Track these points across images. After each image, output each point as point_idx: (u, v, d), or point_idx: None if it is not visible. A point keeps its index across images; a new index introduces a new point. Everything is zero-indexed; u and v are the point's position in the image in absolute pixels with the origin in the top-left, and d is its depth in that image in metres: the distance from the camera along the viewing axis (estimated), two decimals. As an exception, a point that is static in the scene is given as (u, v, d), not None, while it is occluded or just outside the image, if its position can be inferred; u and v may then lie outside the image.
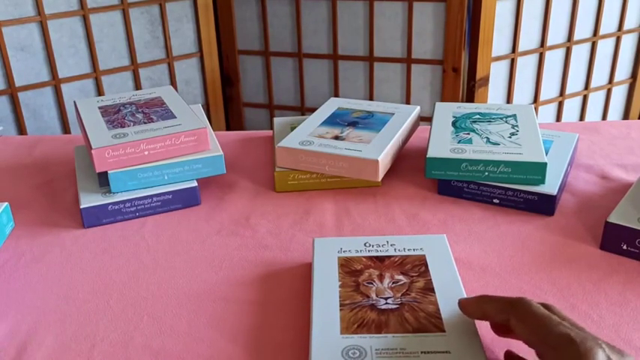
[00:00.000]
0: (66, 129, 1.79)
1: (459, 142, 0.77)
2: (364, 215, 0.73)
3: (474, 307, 0.48)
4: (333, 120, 0.86)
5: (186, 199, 0.75)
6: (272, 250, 0.66)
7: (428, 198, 0.76)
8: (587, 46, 1.95)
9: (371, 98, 1.94)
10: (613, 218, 0.63)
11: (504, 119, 0.83)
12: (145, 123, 0.77)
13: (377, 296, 0.53)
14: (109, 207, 0.72)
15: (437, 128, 0.82)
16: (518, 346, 0.49)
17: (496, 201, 0.73)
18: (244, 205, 0.76)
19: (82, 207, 0.71)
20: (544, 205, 0.71)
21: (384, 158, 0.75)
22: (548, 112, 2.00)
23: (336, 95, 1.97)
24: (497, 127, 0.81)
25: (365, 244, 0.60)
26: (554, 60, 1.91)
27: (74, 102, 0.86)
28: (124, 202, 0.72)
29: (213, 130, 0.87)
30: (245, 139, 0.95)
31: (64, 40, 1.71)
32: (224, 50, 2.02)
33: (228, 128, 2.14)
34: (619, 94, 2.09)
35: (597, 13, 1.90)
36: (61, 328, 0.55)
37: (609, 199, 0.73)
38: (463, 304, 0.49)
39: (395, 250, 0.59)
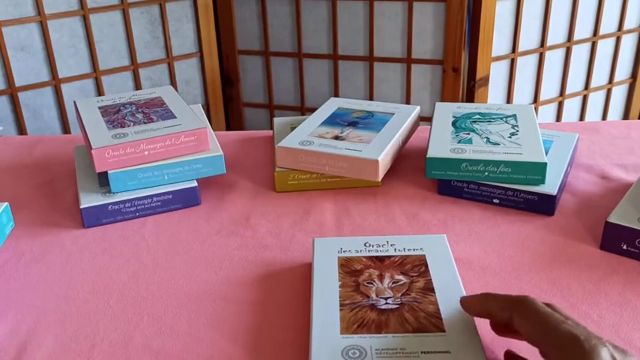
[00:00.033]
0: (66, 129, 1.79)
1: (459, 142, 0.77)
2: (364, 215, 0.73)
3: (476, 304, 0.48)
4: (333, 120, 0.86)
5: (186, 199, 0.75)
6: (272, 250, 0.66)
7: (428, 198, 0.76)
8: (587, 46, 1.95)
9: (371, 98, 1.94)
10: (613, 218, 0.63)
11: (504, 119, 0.83)
12: (145, 123, 0.77)
13: (377, 296, 0.53)
14: (109, 207, 0.72)
15: (437, 128, 0.82)
16: (518, 346, 0.49)
17: (496, 201, 0.73)
18: (244, 205, 0.76)
19: (82, 207, 0.71)
20: (544, 205, 0.71)
21: (384, 158, 0.75)
22: (548, 112, 2.00)
23: (336, 95, 1.97)
24: (497, 127, 0.81)
25: (365, 244, 0.60)
26: (554, 60, 1.91)
27: (74, 102, 0.86)
28: (124, 202, 0.72)
29: (213, 130, 0.87)
30: (245, 139, 0.95)
31: (64, 40, 1.71)
32: (224, 50, 2.02)
33: (228, 128, 2.14)
34: (619, 94, 2.09)
35: (597, 13, 1.90)
36: (61, 328, 0.55)
37: (609, 199, 0.73)
38: (465, 301, 0.49)
39: (395, 250, 0.59)
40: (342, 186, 0.79)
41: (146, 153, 0.73)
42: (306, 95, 2.01)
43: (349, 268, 0.57)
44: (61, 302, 0.59)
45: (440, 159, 0.74)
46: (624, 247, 0.62)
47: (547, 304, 0.44)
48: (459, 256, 0.63)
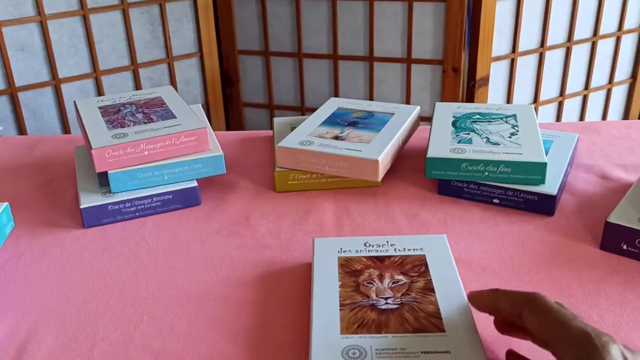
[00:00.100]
0: (66, 129, 1.79)
1: (459, 142, 0.77)
2: (364, 215, 0.73)
3: (484, 299, 0.48)
4: (333, 120, 0.86)
5: (186, 199, 0.75)
6: (272, 250, 0.66)
7: (428, 198, 0.76)
8: (587, 46, 1.95)
9: (371, 98, 1.94)
10: (613, 218, 0.63)
11: (504, 119, 0.83)
12: (145, 123, 0.77)
13: (377, 296, 0.53)
14: (109, 207, 0.72)
15: (437, 128, 0.82)
16: (519, 346, 0.49)
17: (496, 201, 0.73)
18: (244, 205, 0.76)
19: (82, 207, 0.71)
20: (544, 205, 0.71)
21: (384, 158, 0.75)
22: (548, 112, 2.00)
23: (336, 95, 1.97)
24: (497, 127, 0.81)
25: (365, 244, 0.60)
26: (554, 60, 1.91)
27: (74, 102, 0.86)
28: (124, 202, 0.72)
29: (213, 130, 0.87)
30: (245, 139, 0.95)
31: (64, 40, 1.71)
32: (224, 50, 2.02)
33: (228, 128, 2.15)
34: (619, 94, 2.09)
35: (597, 13, 1.90)
36: (61, 328, 0.55)
37: (609, 199, 0.73)
38: (473, 296, 0.49)
39: (395, 250, 0.59)
40: (342, 186, 0.79)
41: (146, 153, 0.73)
42: (306, 95, 2.01)
43: (349, 268, 0.57)
44: (61, 302, 0.59)
45: (440, 159, 0.74)
46: (624, 247, 0.62)
47: (555, 302, 0.44)
48: (459, 256, 0.63)
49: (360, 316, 0.50)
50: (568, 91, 1.99)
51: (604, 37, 1.94)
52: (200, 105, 0.94)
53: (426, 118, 1.75)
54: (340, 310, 0.51)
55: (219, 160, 0.76)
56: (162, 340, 0.53)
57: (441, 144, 0.77)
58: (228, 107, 2.12)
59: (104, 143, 0.72)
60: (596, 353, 0.38)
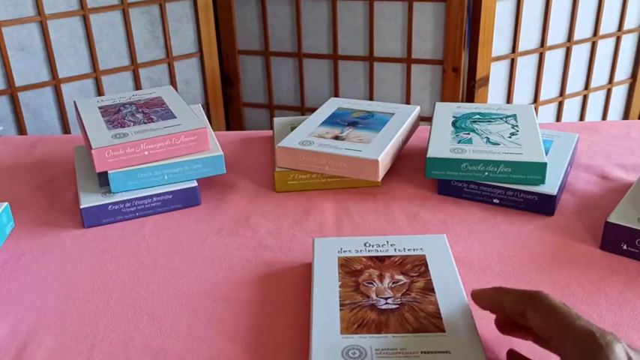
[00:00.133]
0: (66, 129, 1.79)
1: (459, 142, 0.77)
2: (364, 215, 0.73)
3: (488, 297, 0.48)
4: (333, 120, 0.86)
5: (186, 199, 0.75)
6: (272, 250, 0.66)
7: (428, 198, 0.76)
8: (587, 46, 1.95)
9: (371, 98, 1.94)
10: (613, 218, 0.63)
11: (504, 119, 0.83)
12: (145, 123, 0.77)
13: (377, 296, 0.53)
14: (109, 207, 0.72)
15: (437, 128, 0.82)
16: (519, 346, 0.49)
17: (496, 201, 0.73)
18: (244, 205, 0.76)
19: (82, 207, 0.71)
20: (544, 205, 0.71)
21: (384, 158, 0.75)
22: (548, 112, 2.00)
23: (336, 95, 1.97)
24: (497, 127, 0.81)
25: (365, 244, 0.60)
26: (554, 60, 1.91)
27: (74, 102, 0.86)
28: (124, 202, 0.72)
29: (213, 130, 0.87)
30: (245, 139, 0.95)
31: (64, 40, 1.71)
32: (224, 50, 2.02)
33: (228, 128, 2.15)
34: (619, 94, 2.09)
35: (597, 13, 1.90)
36: (61, 328, 0.55)
37: (609, 199, 0.73)
38: (476, 294, 0.49)
39: (395, 250, 0.59)
40: (342, 186, 0.79)
41: (146, 153, 0.73)
42: (306, 95, 2.01)
43: (349, 268, 0.57)
44: (61, 302, 0.59)
45: (440, 159, 0.74)
46: (624, 247, 0.62)
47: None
48: (459, 256, 0.63)
49: (360, 316, 0.50)
50: (568, 91, 1.99)
51: (604, 37, 1.94)
52: (200, 105, 0.94)
53: (426, 118, 1.75)
54: (340, 310, 0.51)
55: (219, 160, 0.76)
56: (162, 340, 0.53)
57: (441, 144, 0.77)
58: (228, 107, 2.12)
59: (104, 143, 0.72)
60: (600, 352, 0.38)
